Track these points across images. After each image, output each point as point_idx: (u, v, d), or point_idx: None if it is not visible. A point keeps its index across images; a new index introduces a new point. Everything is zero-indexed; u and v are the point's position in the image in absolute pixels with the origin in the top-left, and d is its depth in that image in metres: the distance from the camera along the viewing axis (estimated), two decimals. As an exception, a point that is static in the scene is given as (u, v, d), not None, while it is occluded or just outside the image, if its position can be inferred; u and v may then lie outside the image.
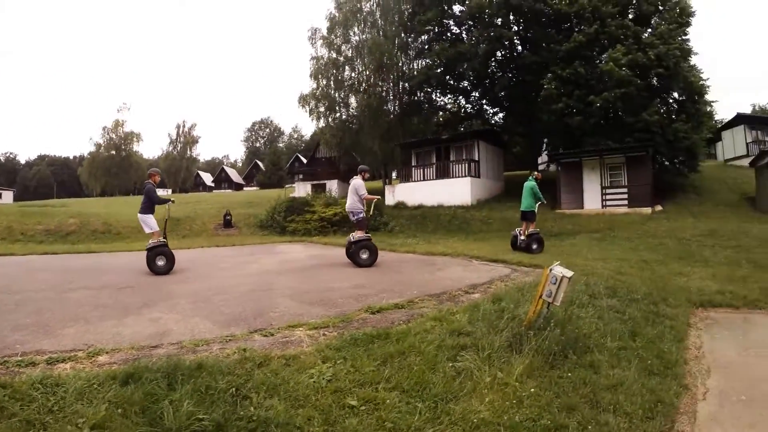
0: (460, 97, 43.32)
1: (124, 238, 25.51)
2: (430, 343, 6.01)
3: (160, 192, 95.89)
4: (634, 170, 28.23)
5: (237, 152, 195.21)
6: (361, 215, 13.54)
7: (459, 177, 32.72)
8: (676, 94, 31.85)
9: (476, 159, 33.79)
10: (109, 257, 17.45)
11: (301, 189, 47.59)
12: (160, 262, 12.40)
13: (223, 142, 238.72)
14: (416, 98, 42.61)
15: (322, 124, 44.35)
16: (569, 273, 6.18)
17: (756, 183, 29.44)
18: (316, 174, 51.35)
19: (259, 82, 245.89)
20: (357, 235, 13.53)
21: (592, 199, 29.31)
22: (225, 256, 17.07)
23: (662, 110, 30.08)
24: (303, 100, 43.60)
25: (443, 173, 34.11)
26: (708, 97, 31.75)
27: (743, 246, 17.32)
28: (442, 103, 45.55)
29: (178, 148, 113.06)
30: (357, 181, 13.56)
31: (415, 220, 29.85)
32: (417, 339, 6.13)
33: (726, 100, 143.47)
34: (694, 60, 31.57)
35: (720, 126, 48.69)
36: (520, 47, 37.60)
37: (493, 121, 44.38)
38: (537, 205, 17.16)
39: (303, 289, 10.02)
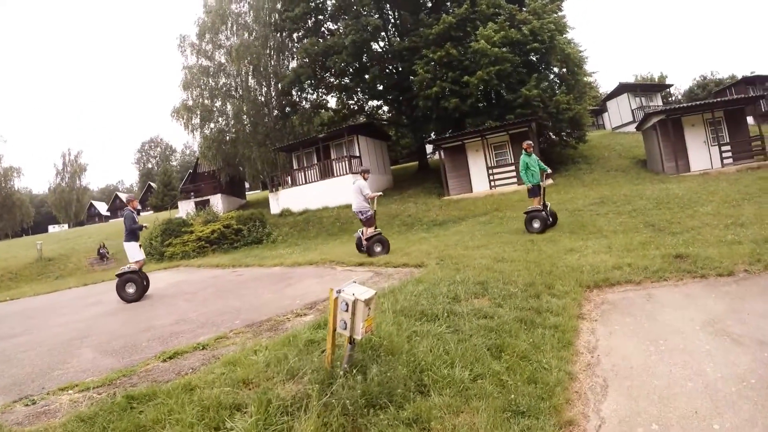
0: (342, 93, 41.15)
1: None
2: (197, 404, 4.49)
3: (56, 228, 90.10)
4: (519, 147, 26.15)
5: (132, 176, 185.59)
6: (369, 213, 14.26)
7: (341, 175, 30.58)
8: (556, 69, 31.34)
9: (357, 155, 32.06)
10: None
11: (184, 208, 44.15)
12: (130, 290, 12.17)
13: (115, 168, 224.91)
14: (291, 99, 40.53)
15: (198, 136, 41.64)
16: (366, 293, 4.67)
17: (644, 145, 29.74)
18: (199, 190, 48.11)
19: (143, 100, 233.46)
20: (368, 231, 14.33)
21: (480, 182, 28.22)
22: (75, 298, 15.26)
23: (543, 84, 29.02)
24: (176, 113, 40.76)
25: (326, 173, 31.79)
26: (588, 68, 32.06)
27: (639, 209, 16.23)
28: (325, 102, 43.50)
29: (66, 179, 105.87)
30: (360, 182, 14.15)
31: (299, 226, 27.88)
32: (181, 400, 4.62)
33: (610, 74, 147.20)
34: (571, 34, 31.39)
35: (604, 97, 49.76)
36: (389, 35, 36.17)
37: (378, 115, 43.39)
38: (542, 175, 15.39)
39: (120, 332, 8.62)
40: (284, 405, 4.16)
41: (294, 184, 33.60)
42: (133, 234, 12.56)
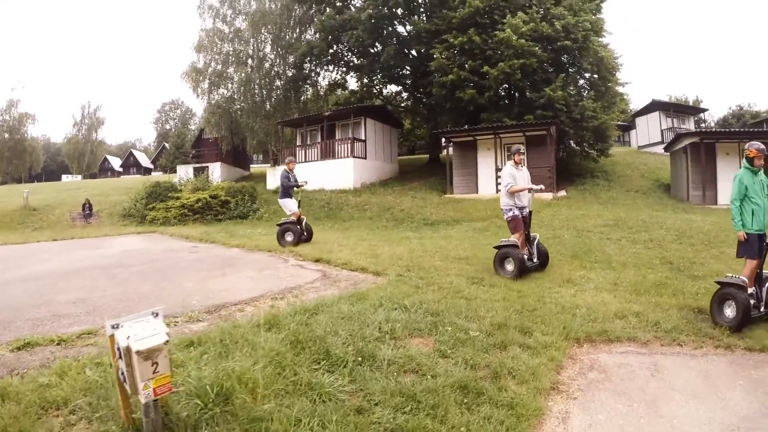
0: (357, 73, 39.33)
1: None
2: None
3: (68, 178, 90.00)
4: (535, 151, 25.04)
5: (150, 136, 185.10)
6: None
7: (343, 158, 28.70)
8: (587, 75, 29.42)
9: (362, 138, 30.31)
10: None
11: (183, 173, 42.47)
12: (288, 238, 13.72)
13: (135, 126, 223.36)
14: (303, 72, 38.66)
15: (204, 101, 39.99)
16: (151, 338, 3.15)
17: (671, 169, 27.72)
18: (202, 156, 46.54)
19: (170, 61, 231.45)
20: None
21: (487, 183, 26.09)
22: (20, 255, 14.31)
23: (570, 87, 27.21)
24: (186, 75, 39.35)
25: (328, 154, 29.84)
26: (621, 77, 29.95)
27: (656, 240, 14.23)
28: (343, 81, 41.53)
29: (83, 131, 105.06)
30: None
31: None
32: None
33: (642, 91, 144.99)
34: (608, 39, 29.55)
35: (634, 113, 47.71)
36: (410, 14, 33.67)
37: (395, 101, 41.28)
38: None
39: (8, 305, 7.36)
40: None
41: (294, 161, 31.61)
42: (285, 191, 14.09)
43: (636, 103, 51.99)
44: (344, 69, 39.66)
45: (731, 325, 6.55)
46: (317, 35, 36.19)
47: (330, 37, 34.51)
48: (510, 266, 9.41)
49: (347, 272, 9.72)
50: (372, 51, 34.60)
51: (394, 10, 31.64)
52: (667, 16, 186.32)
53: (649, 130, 43.29)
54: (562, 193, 24.28)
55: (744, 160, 7.23)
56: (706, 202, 22.37)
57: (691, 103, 66.49)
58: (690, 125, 42.98)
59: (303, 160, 30.68)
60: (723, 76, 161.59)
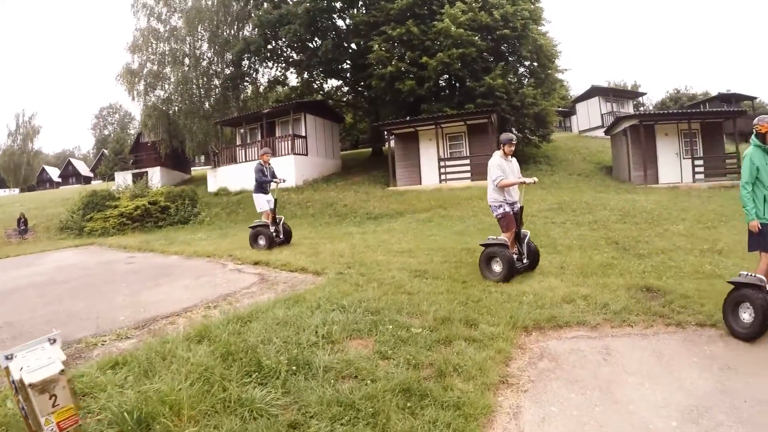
0: (295, 68, 38.50)
1: None
2: None
3: (4, 192, 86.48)
4: (477, 139, 25.11)
5: (90, 143, 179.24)
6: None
7: (283, 155, 28.03)
8: (527, 63, 29.41)
9: (303, 134, 29.53)
10: None
11: (121, 180, 41.06)
12: (261, 242, 12.62)
13: (73, 133, 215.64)
14: (241, 70, 37.86)
15: (141, 104, 38.35)
16: (45, 369, 2.74)
17: (612, 151, 28.19)
18: (140, 161, 45.17)
19: (106, 63, 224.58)
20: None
21: (430, 174, 25.75)
22: None
23: (510, 75, 27.12)
24: (121, 77, 37.55)
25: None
26: (560, 64, 30.10)
27: (601, 221, 14.23)
28: (283, 78, 40.68)
29: (18, 142, 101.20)
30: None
31: (230, 208, 25.50)
32: None
33: (581, 78, 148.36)
34: (547, 27, 29.84)
35: (574, 99, 48.53)
36: (348, 7, 33.07)
37: (336, 96, 40.64)
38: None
39: None
40: None
41: (234, 161, 31.17)
42: (260, 186, 12.77)
43: (576, 90, 52.99)
44: (284, 65, 39.02)
45: (749, 333, 5.58)
46: (255, 31, 35.50)
47: (268, 33, 33.83)
48: (497, 267, 8.21)
49: (286, 274, 9.35)
50: (311, 46, 34.02)
51: (332, 3, 31.18)
52: (606, 4, 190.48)
53: (590, 115, 44.11)
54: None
55: (753, 137, 6.08)
56: (647, 182, 22.70)
57: (629, 88, 67.95)
58: (629, 109, 43.90)
59: (243, 160, 29.95)
60: (660, 62, 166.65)
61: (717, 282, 7.56)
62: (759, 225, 5.82)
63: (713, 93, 53.63)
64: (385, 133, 28.55)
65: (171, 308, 7.08)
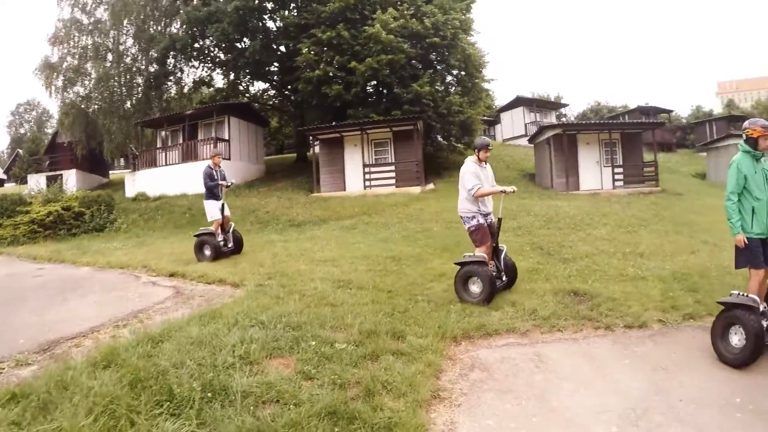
0: (222, 69, 37.39)
1: None
2: None
3: None
4: (403, 146, 25.15)
5: (4, 141, 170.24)
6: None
7: (206, 159, 26.74)
8: (455, 72, 29.55)
9: (226, 138, 28.61)
10: None
11: (34, 183, 38.89)
12: (207, 252, 11.48)
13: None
14: (167, 68, 36.38)
15: (59, 100, 36.33)
16: None
17: (535, 159, 28.67)
18: (56, 163, 42.94)
19: (26, 56, 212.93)
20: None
21: (354, 180, 25.51)
22: None
23: (438, 83, 27.44)
24: (39, 71, 35.55)
25: (190, 156, 27.88)
26: (487, 74, 30.51)
27: (525, 226, 14.32)
28: (210, 79, 39.23)
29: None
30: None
31: (148, 214, 24.17)
32: None
33: (506, 88, 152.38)
34: (476, 38, 30.25)
35: (499, 108, 49.53)
36: (280, 6, 32.41)
37: (263, 99, 39.72)
38: None
39: None
40: None
41: (154, 164, 29.81)
42: (210, 192, 11.70)
43: (501, 100, 53.92)
44: (210, 65, 37.75)
45: (738, 359, 5.11)
46: (183, 28, 34.26)
47: (196, 31, 32.76)
48: (476, 287, 7.25)
49: (203, 286, 8.88)
50: (239, 46, 33.03)
51: (263, 2, 30.63)
52: (532, 20, 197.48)
53: (514, 124, 45.28)
54: (430, 186, 24.32)
55: (742, 143, 5.57)
56: (569, 189, 23.23)
57: (552, 99, 69.64)
58: (552, 119, 45.13)
59: (164, 164, 28.81)
60: (582, 76, 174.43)
61: (641, 284, 7.78)
62: (745, 239, 5.33)
63: (632, 106, 56.11)
64: (311, 138, 28.06)
65: (78, 328, 6.51)
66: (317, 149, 27.28)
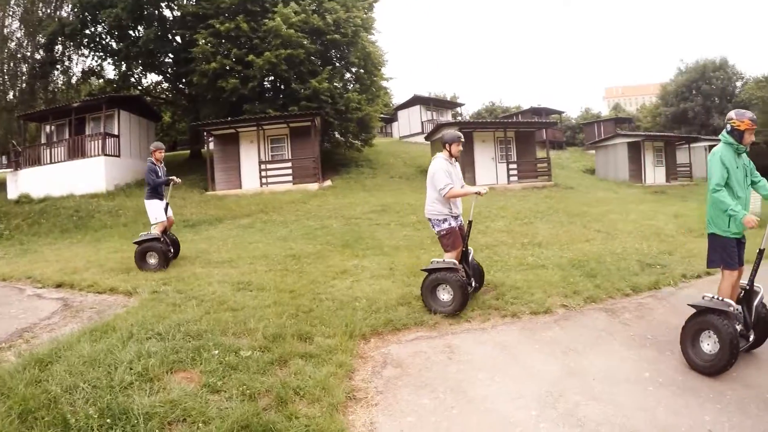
0: (114, 58, 34.90)
1: None
2: None
3: None
4: (300, 142, 24.98)
5: None
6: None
7: (93, 156, 25.45)
8: (354, 69, 29.67)
9: (116, 133, 27.00)
10: None
11: None
12: (152, 260, 9.90)
13: None
14: (54, 55, 33.57)
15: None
16: None
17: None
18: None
19: None
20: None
21: (250, 178, 24.94)
22: None
23: (336, 80, 27.44)
24: None
25: (77, 152, 26.01)
26: (385, 72, 30.91)
27: (424, 221, 14.14)
28: (100, 69, 36.34)
29: None
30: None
31: (32, 218, 21.76)
32: None
33: (404, 88, 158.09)
34: (377, 37, 30.52)
35: (397, 106, 50.28)
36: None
37: (155, 92, 37.84)
38: None
39: None
40: None
41: (38, 162, 27.33)
42: (154, 190, 10.32)
43: (399, 98, 54.49)
44: (101, 54, 34.72)
45: (711, 367, 4.74)
46: (74, 11, 31.75)
47: (87, 15, 30.55)
48: (446, 296, 6.55)
49: (93, 296, 8.18)
50: (132, 34, 31.16)
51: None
52: (433, 23, 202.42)
53: (411, 122, 46.03)
54: (328, 182, 24.29)
55: (724, 134, 5.09)
56: (467, 183, 23.61)
57: (449, 99, 71.03)
58: (448, 117, 46.43)
59: (48, 161, 26.54)
60: (477, 78, 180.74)
61: (542, 272, 8.04)
62: (756, 220, 4.66)
63: (525, 107, 58.81)
64: (205, 134, 27.12)
65: None
66: (212, 146, 26.44)
